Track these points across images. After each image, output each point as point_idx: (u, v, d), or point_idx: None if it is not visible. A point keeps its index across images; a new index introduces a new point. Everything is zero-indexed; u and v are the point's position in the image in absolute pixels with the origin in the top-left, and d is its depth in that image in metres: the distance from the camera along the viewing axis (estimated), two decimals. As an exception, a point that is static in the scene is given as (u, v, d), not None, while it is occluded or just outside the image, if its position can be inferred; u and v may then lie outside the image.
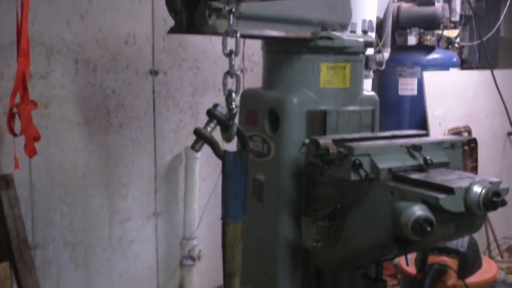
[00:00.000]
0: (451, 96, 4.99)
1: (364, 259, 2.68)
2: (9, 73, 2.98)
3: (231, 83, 2.01)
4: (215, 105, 1.96)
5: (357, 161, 2.27)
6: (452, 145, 2.51)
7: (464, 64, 5.61)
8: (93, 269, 3.49)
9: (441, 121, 4.82)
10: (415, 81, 5.02)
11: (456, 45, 5.46)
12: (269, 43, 2.84)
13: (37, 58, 3.10)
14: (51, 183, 3.26)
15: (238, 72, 2.01)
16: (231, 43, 2.00)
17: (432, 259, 3.23)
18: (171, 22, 2.22)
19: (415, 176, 2.26)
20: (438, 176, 2.25)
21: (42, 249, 3.24)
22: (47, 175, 3.24)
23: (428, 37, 5.10)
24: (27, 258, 2.76)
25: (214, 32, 2.21)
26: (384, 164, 2.30)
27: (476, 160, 4.93)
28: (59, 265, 3.33)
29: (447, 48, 5.37)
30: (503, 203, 2.11)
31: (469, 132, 5.01)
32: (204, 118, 2.01)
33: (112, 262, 3.58)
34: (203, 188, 3.90)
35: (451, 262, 3.26)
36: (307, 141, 2.46)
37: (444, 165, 2.44)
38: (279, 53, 2.78)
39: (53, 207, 3.28)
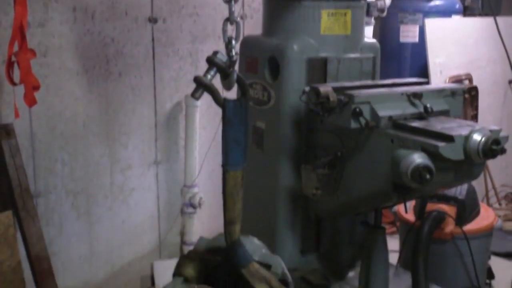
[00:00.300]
0: (453, 43, 4.95)
1: (363, 206, 2.71)
2: (7, 21, 2.94)
3: (231, 30, 1.99)
4: (215, 53, 1.94)
5: (358, 109, 2.27)
6: (453, 93, 2.50)
7: (466, 11, 5.53)
8: (95, 217, 3.53)
9: (442, 69, 4.79)
10: (417, 28, 4.97)
11: (459, -9, 5.38)
12: (269, -11, 2.81)
13: (34, 6, 3.06)
14: (51, 132, 3.27)
15: (238, 19, 1.99)
16: (230, -11, 1.98)
17: (431, 206, 3.26)
18: (169, -32, 2.18)
19: (415, 124, 2.26)
20: (438, 124, 2.25)
21: (44, 198, 3.27)
22: (47, 124, 3.24)
23: (431, -17, 5.03)
24: (29, 207, 2.79)
25: (213, -22, 2.18)
26: (384, 112, 2.29)
27: (476, 108, 4.92)
28: (61, 213, 3.37)
29: (449, -6, 5.30)
30: (503, 151, 2.11)
31: (470, 80, 4.99)
32: (204, 66, 1.99)
33: (113, 210, 3.62)
34: (203, 136, 3.91)
35: (449, 209, 3.29)
36: (307, 88, 2.45)
37: (445, 113, 2.44)
38: (279, -1, 2.75)
39: (54, 156, 3.30)
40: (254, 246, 1.85)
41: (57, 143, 3.30)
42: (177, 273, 1.82)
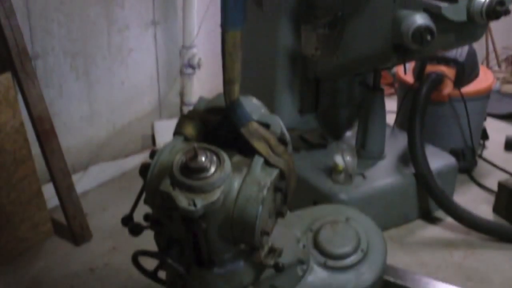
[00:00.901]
0: None
1: (362, 67, 2.71)
2: None
3: None
4: None
5: (360, -33, 2.21)
6: (460, -50, 2.42)
7: None
8: (94, 77, 3.53)
9: None
10: None
11: None
12: None
13: None
14: (45, -9, 3.19)
15: None
16: None
17: (430, 68, 3.26)
18: None
19: (419, -18, 2.21)
20: (442, -17, 2.20)
21: (42, 59, 3.25)
22: (40, -17, 3.16)
23: None
24: (28, 68, 2.77)
25: None
26: (387, -30, 2.23)
27: (482, -33, 4.78)
28: (60, 74, 3.37)
29: None
30: (506, 12, 2.08)
31: None
32: None
33: (112, 70, 3.61)
34: (201, -4, 3.83)
35: (448, 71, 3.29)
36: None
37: (449, -29, 2.37)
38: None
39: (50, 16, 3.24)
40: (253, 106, 1.86)
41: (52, 4, 3.23)
42: (177, 132, 1.84)
